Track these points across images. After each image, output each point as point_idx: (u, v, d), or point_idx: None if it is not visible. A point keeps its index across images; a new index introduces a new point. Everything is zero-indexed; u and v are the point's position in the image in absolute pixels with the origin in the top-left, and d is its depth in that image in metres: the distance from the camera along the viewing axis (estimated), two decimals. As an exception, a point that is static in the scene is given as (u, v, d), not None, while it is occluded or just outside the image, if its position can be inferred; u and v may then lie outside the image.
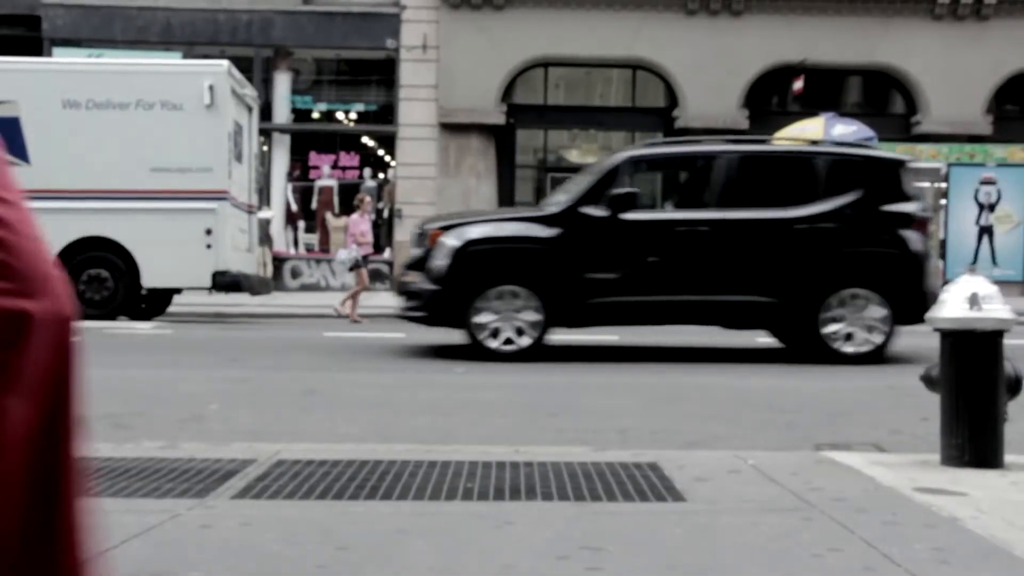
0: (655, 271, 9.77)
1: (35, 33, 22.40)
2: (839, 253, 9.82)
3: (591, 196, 9.84)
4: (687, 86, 22.22)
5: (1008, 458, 4.23)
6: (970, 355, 4.15)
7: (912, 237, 9.89)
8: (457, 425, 5.89)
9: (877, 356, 9.73)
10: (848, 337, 9.76)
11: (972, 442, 4.15)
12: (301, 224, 23.55)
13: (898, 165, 10.28)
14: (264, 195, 20.91)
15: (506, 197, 22.91)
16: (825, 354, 9.74)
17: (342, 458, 4.29)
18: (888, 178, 10.09)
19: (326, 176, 23.36)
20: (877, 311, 9.76)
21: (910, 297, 9.78)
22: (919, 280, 9.85)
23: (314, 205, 23.41)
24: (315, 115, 23.58)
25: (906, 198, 10.01)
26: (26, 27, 22.61)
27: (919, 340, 9.28)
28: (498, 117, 22.40)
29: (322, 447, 4.69)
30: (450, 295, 9.66)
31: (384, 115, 23.48)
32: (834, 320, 9.75)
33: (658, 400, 7.06)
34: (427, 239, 9.92)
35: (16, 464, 1.22)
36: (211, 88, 14.58)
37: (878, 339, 9.75)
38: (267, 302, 18.04)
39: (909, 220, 9.93)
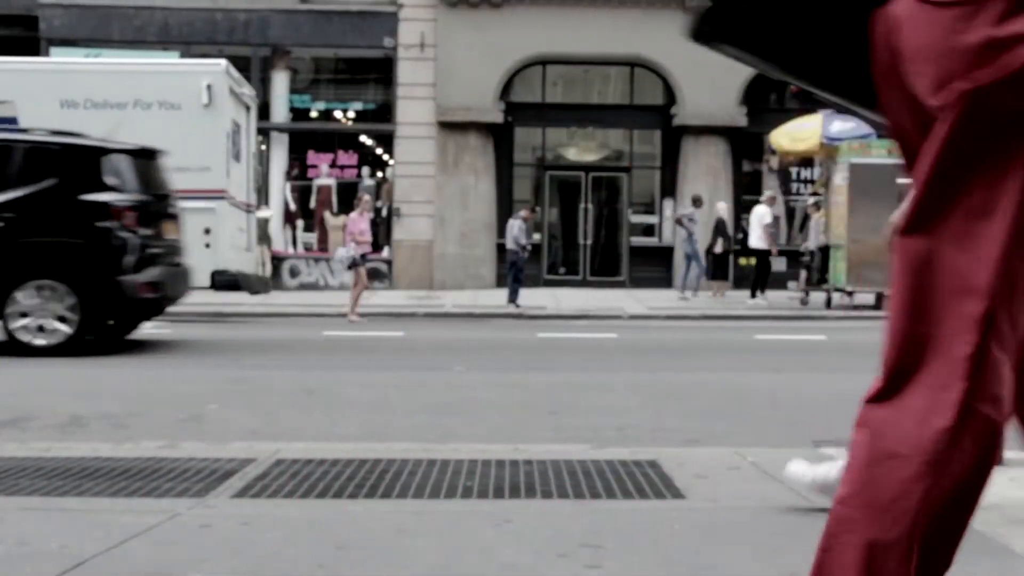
0: None
1: (32, 33, 22.36)
2: (22, 244, 9.62)
3: None
4: (685, 84, 22.21)
5: (1007, 454, 4.23)
6: (969, 352, 4.14)
7: (107, 227, 9.68)
8: (456, 423, 5.90)
9: (69, 348, 9.57)
10: (40, 329, 9.62)
11: (971, 438, 4.15)
12: (300, 223, 23.53)
13: (98, 153, 10.06)
14: (262, 194, 20.88)
15: (504, 195, 22.91)
16: (16, 348, 9.57)
17: (341, 457, 4.29)
18: (86, 167, 9.89)
19: (324, 175, 23.35)
20: (66, 303, 9.63)
21: (102, 289, 9.69)
22: (112, 271, 9.67)
23: (312, 204, 23.39)
24: (313, 114, 23.57)
25: (105, 187, 9.79)
26: (23, 27, 22.58)
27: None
28: (496, 115, 22.40)
29: (321, 446, 4.69)
30: None
31: (382, 114, 23.47)
32: (22, 313, 9.62)
33: (657, 398, 7.06)
34: None
35: None
36: (209, 87, 14.56)
37: (68, 330, 9.63)
38: (266, 301, 18.04)
39: (105, 210, 9.71)
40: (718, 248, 19.62)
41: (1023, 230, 1.49)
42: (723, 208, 20.01)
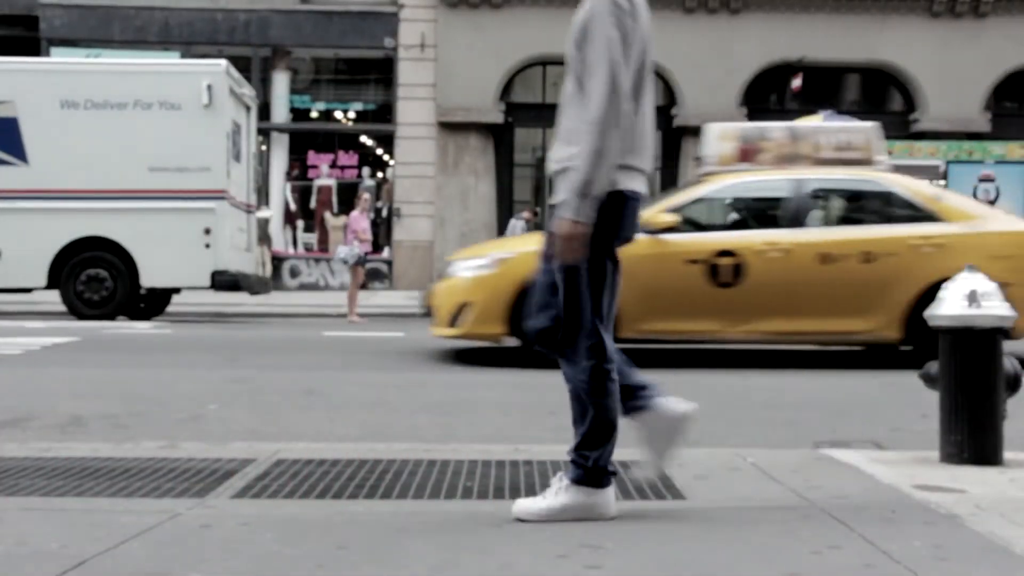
0: None
1: (33, 33, 22.38)
2: None
3: None
4: (685, 84, 22.22)
5: (1007, 455, 4.23)
6: (969, 352, 4.15)
7: None
8: (456, 424, 5.90)
9: None
10: None
11: (971, 439, 4.15)
12: (300, 223, 23.55)
13: None
14: (263, 194, 20.91)
15: (504, 195, 22.91)
16: None
17: (341, 457, 4.30)
18: None
19: (325, 175, 23.36)
20: None
21: None
22: None
23: (313, 204, 23.41)
24: (313, 114, 23.58)
25: None
26: (24, 27, 22.60)
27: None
28: (496, 116, 22.40)
29: (321, 446, 4.69)
30: None
31: (382, 114, 23.48)
32: None
33: (657, 398, 7.04)
34: None
35: None
36: (209, 88, 14.57)
37: None
38: (266, 301, 18.04)
39: None
40: None
41: None
42: None
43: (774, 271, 8.67)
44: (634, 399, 3.43)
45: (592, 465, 3.31)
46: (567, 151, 3.26)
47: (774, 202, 9.25)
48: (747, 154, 9.46)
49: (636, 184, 3.31)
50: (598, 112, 3.15)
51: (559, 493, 3.31)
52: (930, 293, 8.58)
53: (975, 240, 8.67)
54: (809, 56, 22.12)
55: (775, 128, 9.78)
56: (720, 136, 9.65)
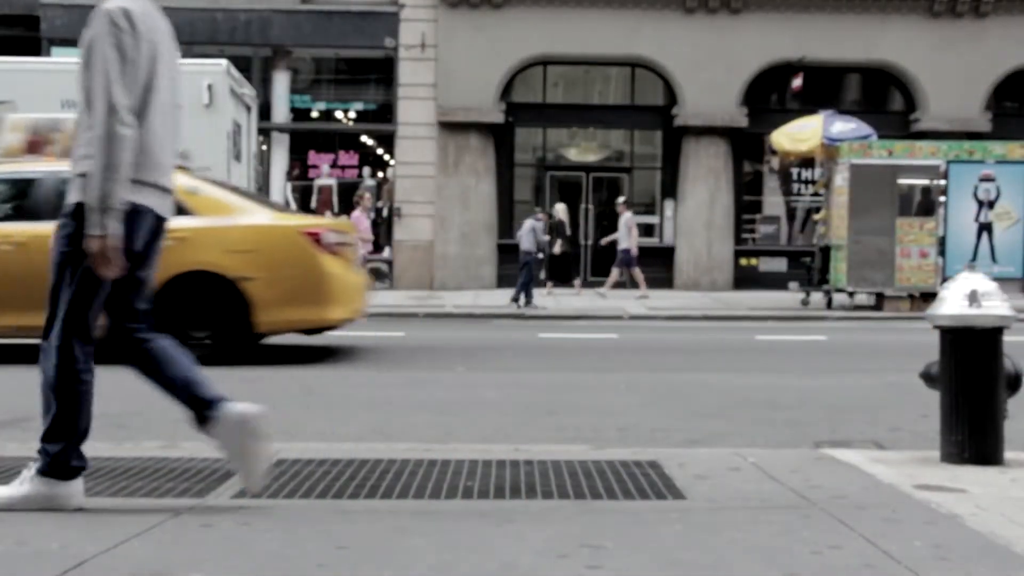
0: None
1: (33, 33, 22.37)
2: None
3: None
4: (686, 84, 22.21)
5: (1008, 455, 4.23)
6: (970, 352, 4.15)
7: None
8: (456, 424, 5.90)
9: None
10: None
11: (972, 439, 4.15)
12: (300, 223, 23.54)
13: None
14: (263, 194, 20.90)
15: (505, 195, 22.90)
16: None
17: (342, 457, 4.30)
18: None
19: (325, 175, 23.35)
20: None
21: None
22: None
23: (313, 204, 23.39)
24: (314, 114, 23.56)
25: None
26: (24, 27, 22.59)
27: (919, 337, 9.28)
28: (497, 116, 22.38)
29: (322, 446, 4.69)
30: None
31: (383, 114, 23.47)
32: None
33: (658, 398, 7.06)
34: None
35: None
36: (210, 87, 14.57)
37: None
38: (266, 301, 18.00)
39: None
40: (557, 249, 20.01)
41: None
42: (561, 209, 20.48)
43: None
44: (204, 411, 3.61)
45: (55, 458, 3.38)
46: (83, 165, 3.39)
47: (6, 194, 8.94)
48: (36, 146, 9.32)
49: (144, 197, 3.45)
50: (101, 129, 3.35)
51: (24, 483, 3.40)
52: (168, 287, 8.26)
53: (217, 234, 8.60)
54: (809, 56, 22.11)
55: (68, 120, 9.51)
56: (12, 127, 9.47)
